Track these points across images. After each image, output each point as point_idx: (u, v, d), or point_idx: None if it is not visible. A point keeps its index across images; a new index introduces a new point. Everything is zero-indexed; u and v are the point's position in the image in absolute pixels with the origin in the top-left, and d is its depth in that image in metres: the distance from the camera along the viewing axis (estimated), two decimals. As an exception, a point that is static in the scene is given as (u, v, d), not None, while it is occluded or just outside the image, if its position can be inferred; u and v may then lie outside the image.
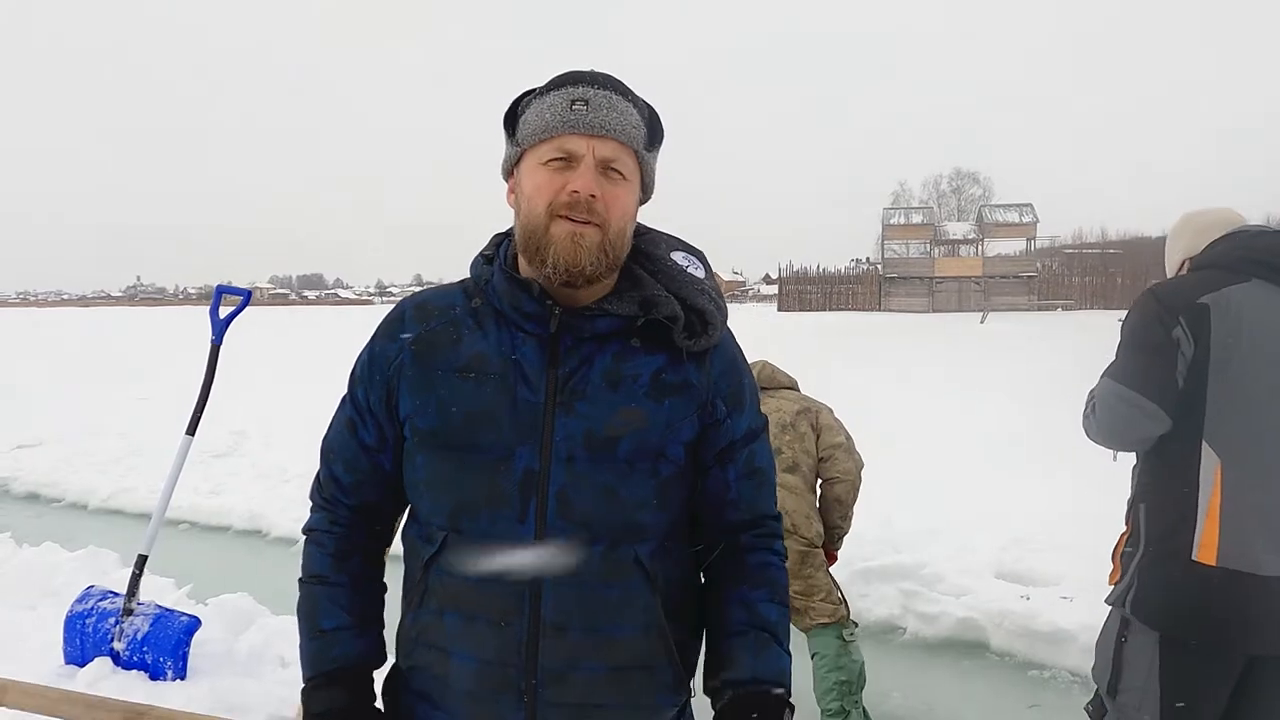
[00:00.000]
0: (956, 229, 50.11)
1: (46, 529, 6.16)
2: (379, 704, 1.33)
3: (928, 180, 67.48)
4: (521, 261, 1.27)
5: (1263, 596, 1.90)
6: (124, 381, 14.74)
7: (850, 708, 3.15)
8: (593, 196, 1.19)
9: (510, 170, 1.29)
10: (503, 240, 1.33)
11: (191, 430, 3.39)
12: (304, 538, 1.35)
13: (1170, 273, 2.35)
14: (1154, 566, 2.02)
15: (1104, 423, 2.10)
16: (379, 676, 1.35)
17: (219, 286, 3.48)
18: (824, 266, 48.87)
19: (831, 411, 3.45)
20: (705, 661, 1.31)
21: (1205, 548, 1.93)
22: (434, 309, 1.30)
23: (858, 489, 3.38)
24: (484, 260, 1.32)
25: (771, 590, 1.30)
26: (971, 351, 18.86)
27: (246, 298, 3.50)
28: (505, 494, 1.19)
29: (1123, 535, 2.17)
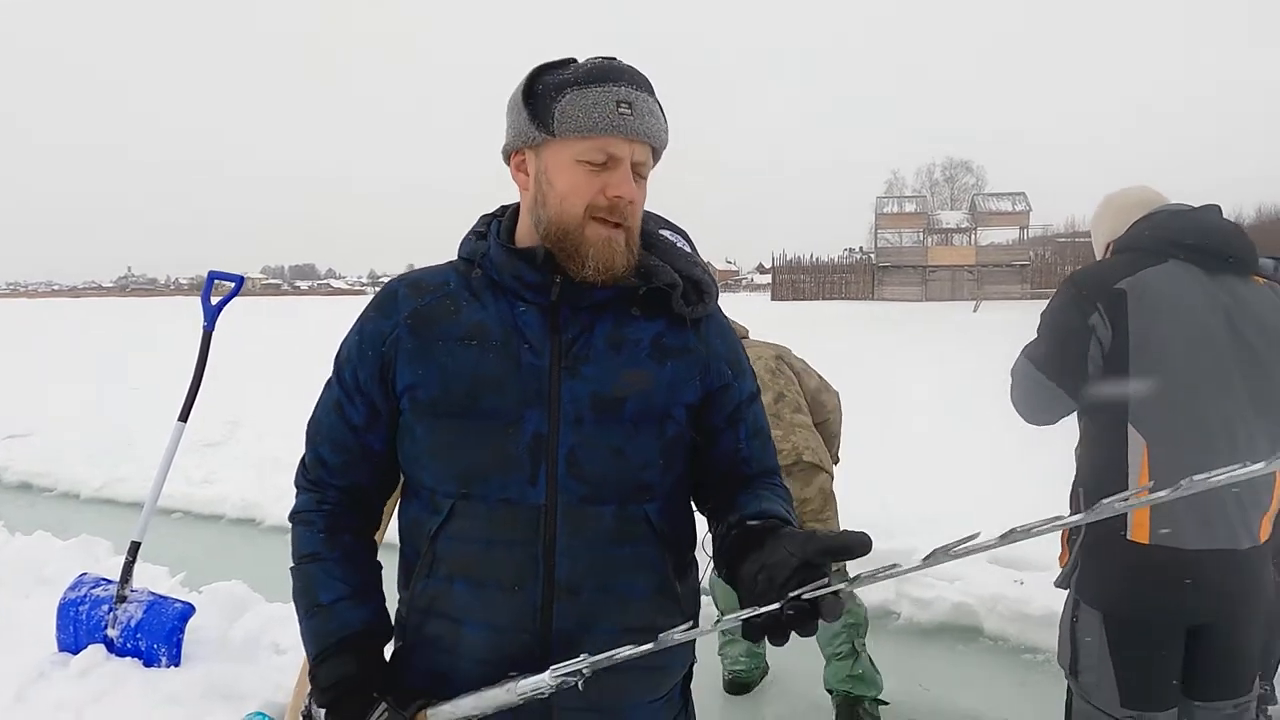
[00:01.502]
0: (950, 218, 50.22)
1: (39, 518, 6.12)
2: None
3: (921, 169, 67.57)
4: (523, 234, 1.29)
5: (1193, 569, 1.96)
6: (115, 371, 14.69)
7: (860, 649, 3.28)
8: (630, 202, 1.22)
9: (520, 147, 1.27)
10: (492, 219, 1.35)
11: (184, 417, 3.38)
12: (291, 523, 1.34)
13: (1098, 255, 2.38)
14: (1094, 548, 2.09)
15: (1018, 400, 2.22)
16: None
17: (211, 272, 3.47)
18: (817, 256, 48.97)
19: (791, 351, 3.48)
20: (714, 529, 1.28)
21: (1138, 526, 1.98)
22: (428, 285, 1.30)
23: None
24: (476, 237, 1.33)
25: (777, 494, 1.30)
26: (965, 340, 18.92)
27: (239, 283, 3.48)
28: (515, 457, 1.20)
29: None
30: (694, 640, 1.34)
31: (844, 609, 0.98)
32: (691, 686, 1.41)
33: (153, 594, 3.30)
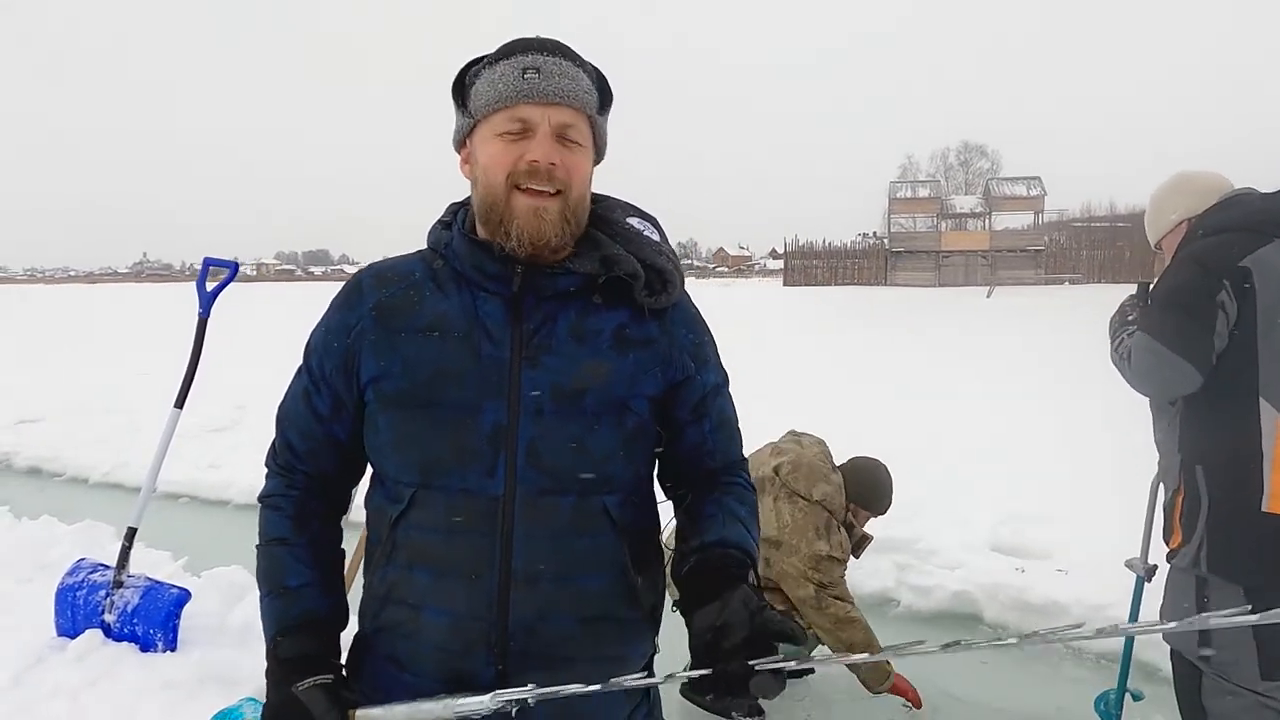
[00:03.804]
0: (963, 202, 49.78)
1: (47, 503, 6.17)
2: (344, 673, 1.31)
3: (935, 153, 66.93)
4: (480, 229, 1.28)
5: None
6: (127, 357, 14.80)
7: None
8: (552, 165, 1.20)
9: (462, 141, 1.30)
10: (459, 209, 1.35)
11: (180, 404, 3.38)
12: (260, 505, 1.35)
13: (1159, 230, 2.44)
14: (1224, 523, 2.09)
15: (1139, 375, 2.21)
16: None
17: (206, 259, 3.47)
18: (831, 241, 48.72)
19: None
20: (676, 548, 1.30)
21: (1275, 498, 2.00)
22: (393, 276, 1.31)
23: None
24: (442, 226, 1.33)
25: (741, 498, 1.31)
26: (976, 326, 18.83)
27: (233, 270, 3.49)
28: (474, 448, 1.20)
29: (1177, 498, 2.22)
30: (654, 630, 1.35)
31: (780, 690, 1.03)
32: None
33: (149, 579, 3.32)
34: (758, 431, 4.88)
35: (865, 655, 1.07)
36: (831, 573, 3.17)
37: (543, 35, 1.25)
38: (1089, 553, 4.36)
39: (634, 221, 1.35)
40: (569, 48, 1.25)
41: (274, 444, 1.36)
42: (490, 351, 1.21)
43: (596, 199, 1.34)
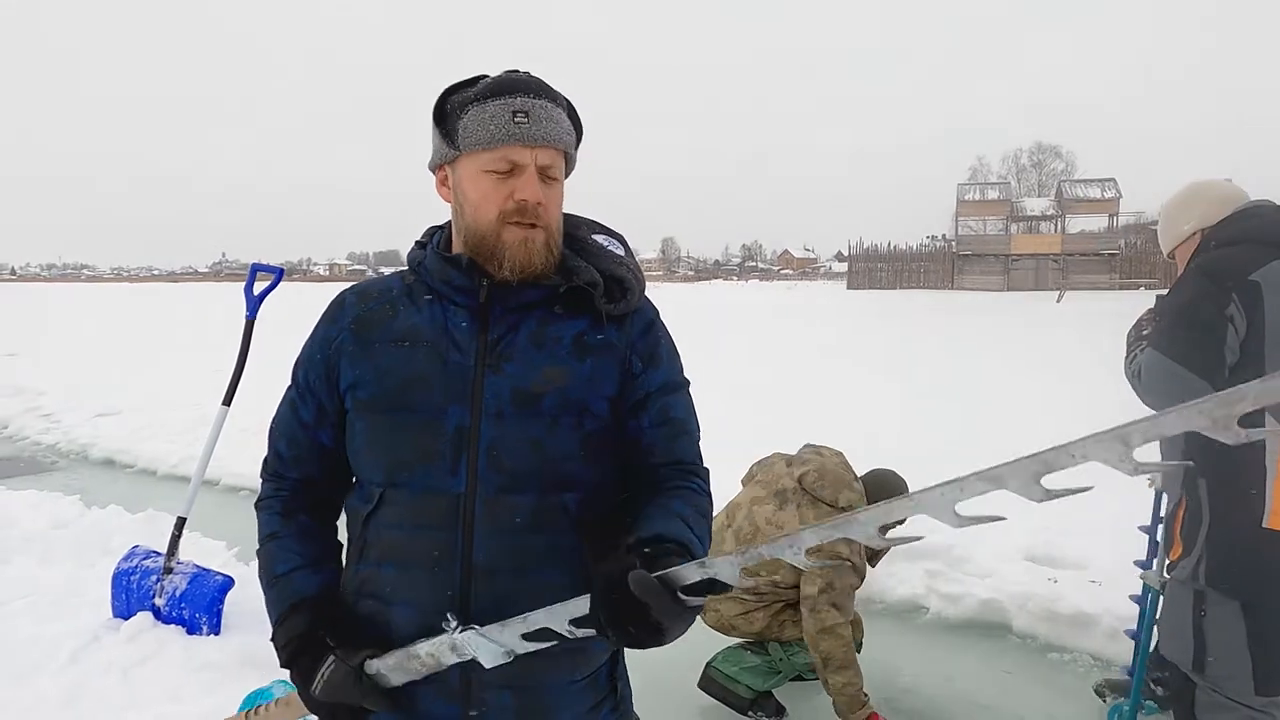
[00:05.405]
0: (1035, 205, 48.65)
1: (118, 493, 6.50)
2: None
3: (1007, 154, 65.34)
4: (455, 245, 1.38)
5: None
6: (201, 354, 15.38)
7: (771, 674, 3.37)
8: (539, 204, 1.30)
9: (440, 164, 1.38)
10: (436, 231, 1.45)
11: (227, 401, 3.58)
12: (255, 510, 1.46)
13: (1173, 240, 2.45)
14: (1225, 538, 2.11)
15: (1151, 392, 2.21)
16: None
17: (253, 265, 3.66)
18: (898, 244, 48.00)
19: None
20: (599, 537, 1.31)
21: (1277, 515, 2.02)
22: (373, 293, 1.42)
23: None
24: (418, 247, 1.44)
25: (687, 499, 1.32)
26: (1039, 331, 18.43)
27: (279, 275, 3.68)
28: (438, 450, 1.28)
29: (1179, 510, 2.24)
30: None
31: (682, 613, 1.10)
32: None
33: (197, 566, 3.52)
34: (798, 431, 4.86)
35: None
36: (843, 578, 3.16)
37: (528, 74, 1.33)
38: (1124, 564, 4.29)
39: (599, 238, 1.44)
40: (550, 86, 1.34)
41: (266, 455, 1.48)
42: (456, 359, 1.30)
43: (563, 217, 1.43)
